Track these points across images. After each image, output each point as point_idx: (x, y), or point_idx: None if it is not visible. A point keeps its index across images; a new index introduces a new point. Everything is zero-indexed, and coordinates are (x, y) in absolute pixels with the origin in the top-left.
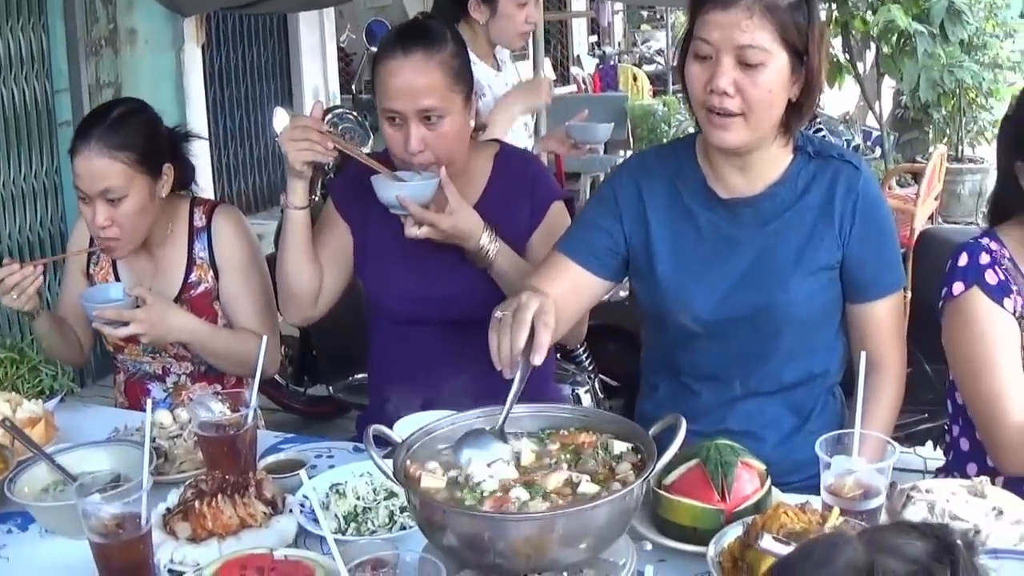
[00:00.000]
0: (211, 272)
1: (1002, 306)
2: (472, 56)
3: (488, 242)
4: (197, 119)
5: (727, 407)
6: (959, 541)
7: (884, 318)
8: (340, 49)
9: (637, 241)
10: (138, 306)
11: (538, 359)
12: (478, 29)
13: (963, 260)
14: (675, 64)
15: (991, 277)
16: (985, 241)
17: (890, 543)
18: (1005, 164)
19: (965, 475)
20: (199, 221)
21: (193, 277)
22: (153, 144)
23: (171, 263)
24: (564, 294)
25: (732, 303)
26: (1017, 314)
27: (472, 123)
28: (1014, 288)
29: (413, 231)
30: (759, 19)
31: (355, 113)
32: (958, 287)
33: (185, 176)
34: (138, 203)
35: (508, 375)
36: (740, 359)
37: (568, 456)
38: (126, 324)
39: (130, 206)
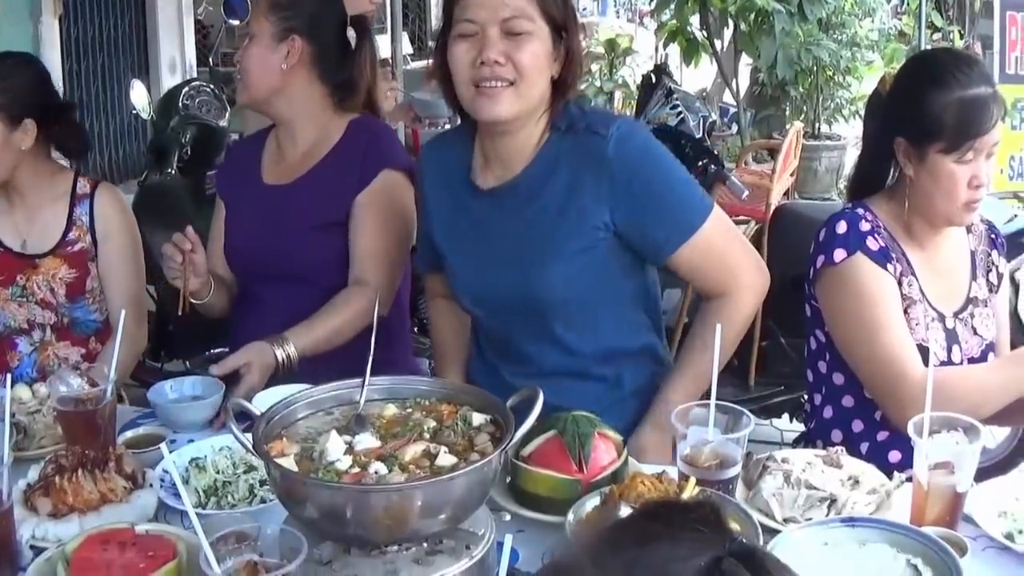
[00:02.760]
0: (90, 236)
1: (885, 269)
2: None
3: (283, 353)
4: None
5: (531, 384)
6: (743, 540)
7: (699, 258)
8: (198, 21)
9: (431, 230)
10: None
11: None
12: None
13: (842, 228)
14: (432, 59)
15: (872, 243)
16: (860, 211)
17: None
18: (876, 139)
19: (829, 442)
20: (82, 188)
21: (71, 235)
22: (18, 93)
23: (48, 220)
24: (446, 289)
25: (496, 291)
26: (897, 279)
27: (286, 67)
28: (893, 255)
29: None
30: None
31: (212, 86)
32: (840, 254)
33: (67, 146)
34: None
35: None
36: (527, 342)
37: (431, 424)
38: None
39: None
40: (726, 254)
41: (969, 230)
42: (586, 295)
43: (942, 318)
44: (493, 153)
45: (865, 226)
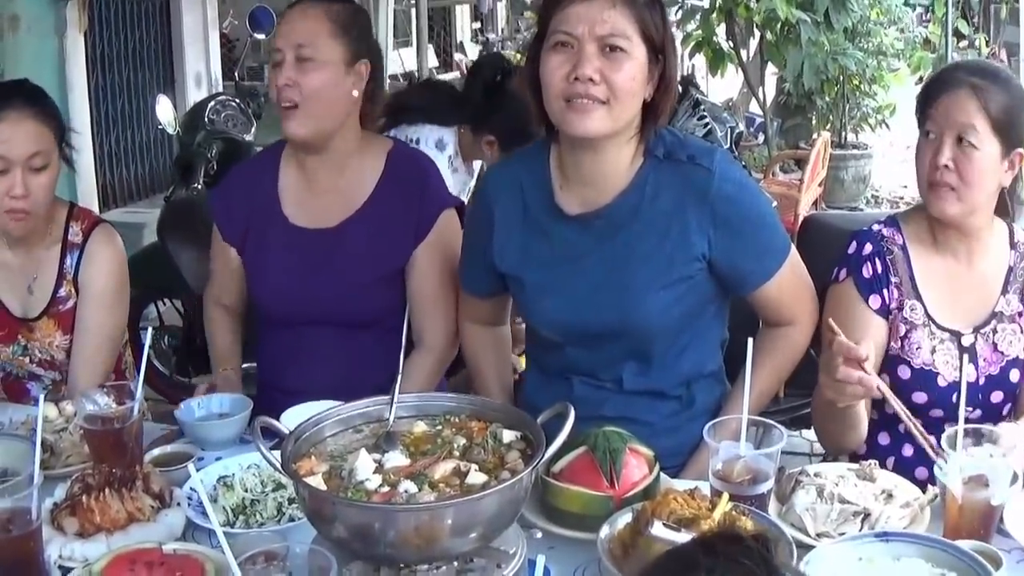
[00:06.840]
0: (75, 289)
1: (867, 301)
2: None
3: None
4: (79, 105)
5: (602, 399)
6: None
7: (777, 292)
8: (223, 35)
9: (497, 257)
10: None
11: None
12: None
13: (852, 248)
14: (523, 67)
15: (867, 270)
16: (877, 228)
17: None
18: None
19: (855, 457)
20: (74, 236)
21: (62, 292)
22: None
23: (46, 271)
24: (489, 316)
25: (585, 318)
26: (892, 305)
27: (356, 94)
28: (893, 280)
29: None
30: (621, 9)
31: (238, 100)
32: (842, 273)
33: None
34: (54, 177)
35: None
36: (607, 365)
37: (461, 441)
38: None
39: (48, 178)
40: (797, 287)
41: (1013, 246)
42: (678, 321)
43: (956, 336)
44: (577, 174)
45: (868, 248)
